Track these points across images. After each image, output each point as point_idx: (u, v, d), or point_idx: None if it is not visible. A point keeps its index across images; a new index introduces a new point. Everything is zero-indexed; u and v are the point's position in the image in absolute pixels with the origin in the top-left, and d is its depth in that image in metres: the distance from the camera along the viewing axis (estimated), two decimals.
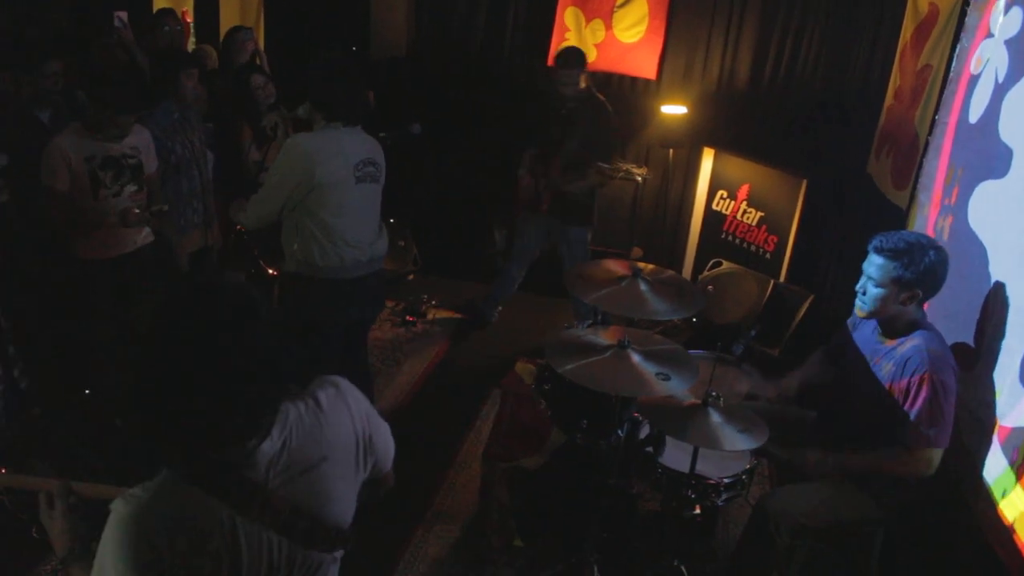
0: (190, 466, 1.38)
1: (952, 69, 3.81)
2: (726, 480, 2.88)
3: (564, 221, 4.82)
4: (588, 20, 5.81)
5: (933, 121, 3.92)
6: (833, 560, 2.90)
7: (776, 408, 3.18)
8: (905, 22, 4.76)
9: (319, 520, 1.49)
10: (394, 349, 4.92)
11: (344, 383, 1.61)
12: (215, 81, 4.73)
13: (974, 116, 3.36)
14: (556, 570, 3.12)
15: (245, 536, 1.40)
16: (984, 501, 2.59)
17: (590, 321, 3.29)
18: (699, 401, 2.75)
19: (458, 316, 5.38)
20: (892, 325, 2.74)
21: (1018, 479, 2.44)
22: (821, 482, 2.83)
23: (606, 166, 4.53)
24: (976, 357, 2.86)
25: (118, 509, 1.35)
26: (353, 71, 3.23)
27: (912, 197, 4.06)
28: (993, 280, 2.86)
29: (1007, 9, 3.24)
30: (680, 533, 3.15)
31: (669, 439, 2.93)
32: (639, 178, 5.60)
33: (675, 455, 2.92)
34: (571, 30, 5.86)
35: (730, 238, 5.56)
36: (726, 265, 5.30)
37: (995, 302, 2.79)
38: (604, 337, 2.86)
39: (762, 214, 5.37)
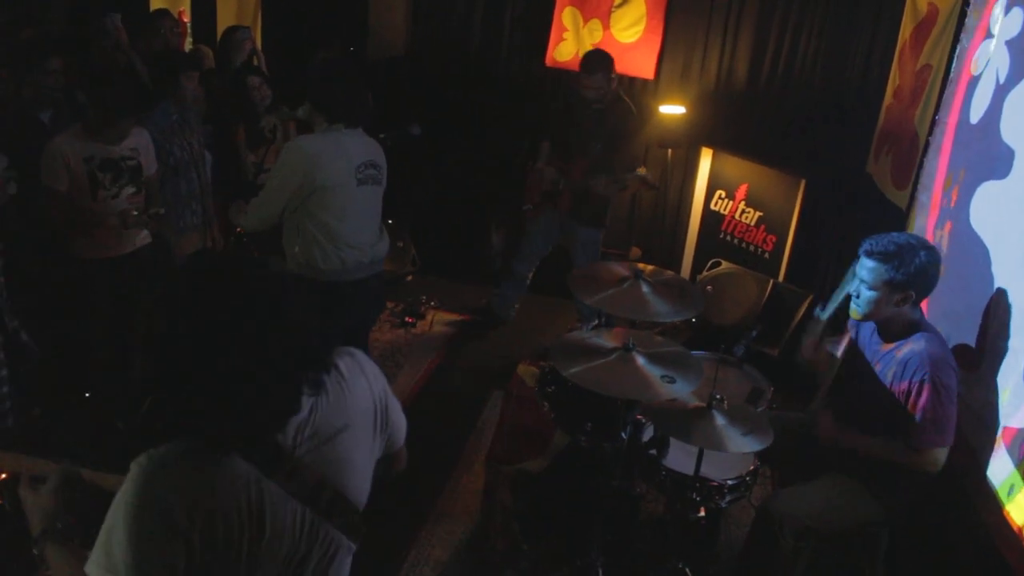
0: (222, 432, 1.36)
1: (952, 69, 3.81)
2: (730, 482, 2.88)
3: (580, 221, 4.81)
4: (586, 20, 5.80)
5: (933, 121, 3.92)
6: (838, 562, 2.90)
7: (776, 414, 3.18)
8: (904, 22, 4.76)
9: (341, 492, 1.50)
10: (394, 350, 4.91)
11: (359, 353, 1.63)
12: (212, 81, 4.71)
13: (975, 116, 3.37)
14: (561, 573, 3.11)
15: (271, 504, 1.38)
16: (990, 503, 2.60)
17: (595, 323, 3.29)
18: (703, 403, 2.75)
19: (459, 317, 5.37)
20: (889, 327, 2.75)
21: None
22: (825, 482, 2.84)
23: (645, 174, 4.51)
24: (979, 358, 2.87)
25: (140, 463, 1.33)
26: (353, 72, 3.22)
27: (912, 197, 4.06)
28: (995, 280, 2.86)
29: (1007, 10, 3.24)
30: (684, 535, 3.15)
31: (673, 441, 2.93)
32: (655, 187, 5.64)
33: (678, 457, 2.92)
34: (569, 30, 5.85)
35: (728, 238, 5.56)
36: (725, 265, 5.29)
37: (998, 303, 2.80)
38: (608, 339, 2.85)
39: (760, 214, 5.37)
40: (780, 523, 2.74)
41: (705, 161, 5.66)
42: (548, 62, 5.93)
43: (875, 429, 2.72)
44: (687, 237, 5.87)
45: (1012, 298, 2.71)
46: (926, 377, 2.55)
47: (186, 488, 1.32)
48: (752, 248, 5.41)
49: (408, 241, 5.71)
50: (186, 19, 5.85)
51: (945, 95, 3.85)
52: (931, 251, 2.62)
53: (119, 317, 3.87)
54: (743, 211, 5.47)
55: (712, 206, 5.66)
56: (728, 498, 2.91)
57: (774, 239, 5.29)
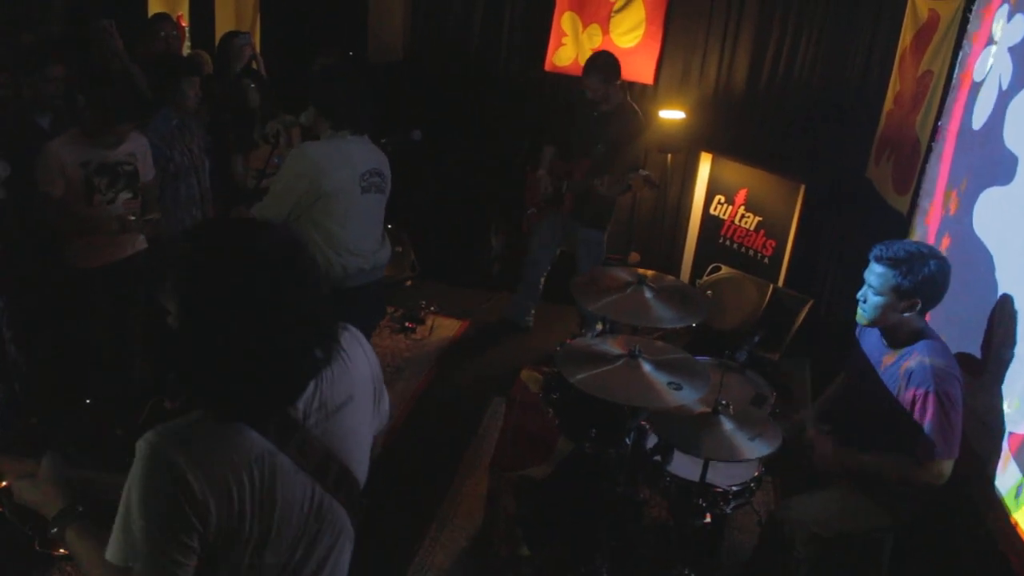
0: (234, 404, 1.36)
1: (953, 75, 3.82)
2: (735, 488, 2.88)
3: (582, 221, 4.84)
4: (585, 25, 5.80)
5: (935, 127, 3.93)
6: (843, 567, 2.90)
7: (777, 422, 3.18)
8: (904, 27, 4.77)
9: (346, 466, 1.51)
10: (394, 356, 4.89)
11: (353, 328, 1.64)
12: (211, 87, 4.69)
13: (977, 123, 3.38)
14: None
15: (282, 477, 1.38)
16: (997, 509, 2.60)
17: (599, 328, 3.29)
18: (709, 409, 2.75)
19: (459, 322, 5.36)
20: (894, 334, 2.75)
21: None
22: (832, 491, 2.83)
23: (647, 174, 4.53)
24: (984, 364, 2.87)
25: (149, 440, 1.32)
26: (358, 78, 3.22)
27: (914, 203, 4.07)
28: (999, 286, 2.87)
29: (1010, 16, 3.25)
30: (688, 541, 3.14)
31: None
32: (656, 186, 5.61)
33: (683, 462, 2.91)
34: (568, 35, 5.85)
35: (728, 242, 5.56)
36: (725, 270, 5.29)
37: (1002, 309, 2.80)
38: (614, 346, 2.85)
39: (760, 218, 5.38)
40: (790, 531, 2.73)
41: (704, 166, 5.66)
42: (547, 67, 5.93)
43: (878, 441, 2.71)
44: (686, 242, 5.87)
45: (1017, 304, 2.71)
46: (931, 389, 2.54)
47: (200, 461, 1.31)
48: (752, 253, 5.41)
49: (407, 246, 5.70)
50: (184, 24, 5.82)
51: (947, 101, 3.85)
52: (942, 261, 2.62)
53: (117, 322, 3.86)
54: (743, 216, 5.47)
55: (711, 211, 5.66)
56: (733, 504, 2.91)
57: (774, 244, 5.30)
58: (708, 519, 2.95)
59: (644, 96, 5.80)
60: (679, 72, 5.76)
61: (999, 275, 2.90)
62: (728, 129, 5.70)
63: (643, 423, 3.02)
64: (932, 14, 4.28)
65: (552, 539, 3.24)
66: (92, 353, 3.86)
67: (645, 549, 3.24)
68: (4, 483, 1.66)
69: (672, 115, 5.59)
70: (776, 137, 5.58)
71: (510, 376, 4.29)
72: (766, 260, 5.32)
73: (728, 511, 2.94)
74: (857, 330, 2.95)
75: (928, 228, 3.79)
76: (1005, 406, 2.69)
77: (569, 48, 5.86)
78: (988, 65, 3.39)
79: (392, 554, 3.30)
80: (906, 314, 2.66)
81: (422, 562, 3.29)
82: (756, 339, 3.46)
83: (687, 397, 2.63)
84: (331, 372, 1.48)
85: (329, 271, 3.24)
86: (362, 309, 3.47)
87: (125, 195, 3.61)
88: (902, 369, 2.65)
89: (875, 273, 2.66)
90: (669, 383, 2.64)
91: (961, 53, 3.77)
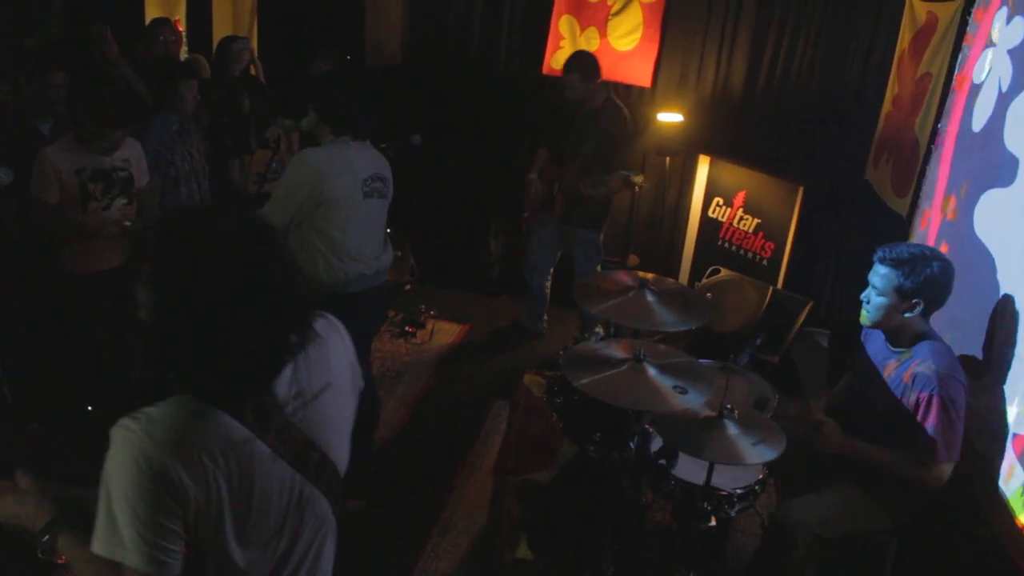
0: (213, 389, 1.36)
1: (952, 78, 3.83)
2: (739, 491, 2.88)
3: (576, 224, 4.85)
4: (583, 28, 5.81)
5: (935, 129, 3.94)
6: (845, 568, 2.90)
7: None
8: (902, 30, 4.78)
9: (326, 454, 1.51)
10: (394, 360, 4.89)
11: (330, 316, 1.64)
12: (209, 91, 4.68)
13: (977, 125, 3.39)
14: None
15: (259, 464, 1.38)
16: (1002, 511, 2.60)
17: (600, 332, 3.29)
18: (714, 413, 2.74)
19: (459, 326, 5.35)
20: (898, 337, 2.76)
21: None
22: (834, 492, 2.84)
23: (629, 174, 4.55)
24: (986, 366, 2.88)
25: (124, 425, 1.32)
26: (358, 83, 3.21)
27: (914, 205, 4.08)
28: (1001, 288, 2.88)
29: (1009, 19, 3.26)
30: (692, 545, 3.14)
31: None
32: (637, 187, 5.60)
33: (687, 466, 2.91)
34: (566, 38, 5.85)
35: (727, 245, 5.56)
36: (724, 272, 5.30)
37: (1004, 310, 2.81)
38: (617, 350, 2.84)
39: (759, 221, 5.38)
40: (793, 532, 2.73)
41: (703, 168, 5.67)
42: (545, 70, 5.93)
43: (881, 442, 2.72)
44: (685, 244, 5.88)
45: (1019, 305, 2.72)
46: (935, 392, 2.56)
47: (175, 445, 1.30)
48: (750, 255, 5.42)
49: (407, 250, 5.70)
50: (181, 28, 5.82)
51: (946, 103, 3.86)
52: (945, 264, 2.64)
53: (116, 327, 3.84)
54: (741, 218, 5.48)
55: (710, 213, 5.66)
56: (737, 507, 2.91)
57: (772, 246, 5.30)
58: (712, 523, 2.95)
59: (642, 99, 5.81)
60: (677, 75, 5.76)
61: (1000, 276, 2.91)
62: (726, 131, 5.70)
63: (647, 427, 3.02)
64: (930, 16, 4.29)
65: (556, 543, 3.24)
66: (92, 354, 3.84)
67: (649, 553, 3.24)
68: None
69: (670, 118, 5.59)
70: (774, 139, 5.59)
71: (511, 380, 4.29)
72: (765, 262, 5.33)
73: (732, 514, 2.94)
74: (862, 333, 2.96)
75: (929, 229, 3.79)
76: (1009, 407, 2.69)
77: (567, 51, 5.82)
78: (987, 67, 3.40)
79: (393, 557, 3.30)
80: (908, 315, 2.67)
81: (425, 567, 3.28)
82: (758, 342, 3.46)
83: (692, 401, 2.63)
84: (308, 359, 1.47)
85: (331, 277, 3.24)
86: (363, 315, 3.46)
87: (120, 201, 3.61)
88: (907, 374, 2.66)
89: (879, 274, 2.69)
90: (674, 387, 2.64)
91: (960, 55, 3.78)
